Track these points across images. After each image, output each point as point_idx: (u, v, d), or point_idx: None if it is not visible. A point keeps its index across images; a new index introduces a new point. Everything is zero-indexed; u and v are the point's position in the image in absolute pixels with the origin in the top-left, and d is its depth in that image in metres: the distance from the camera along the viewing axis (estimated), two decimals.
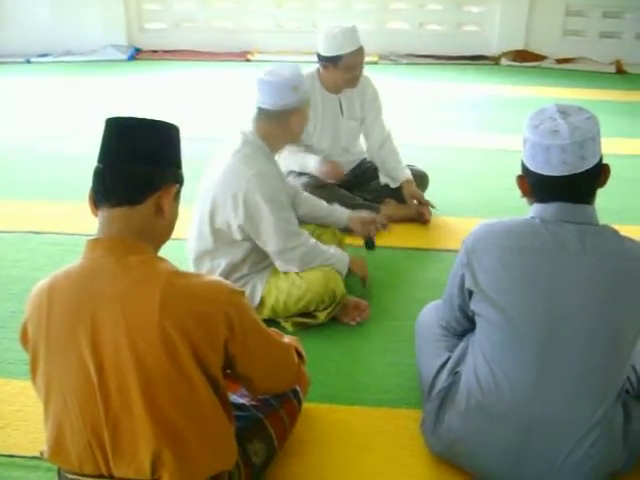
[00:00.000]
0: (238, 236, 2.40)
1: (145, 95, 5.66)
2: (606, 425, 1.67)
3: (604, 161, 1.69)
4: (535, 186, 1.73)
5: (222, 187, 2.37)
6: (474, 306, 1.79)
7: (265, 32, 7.05)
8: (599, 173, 1.69)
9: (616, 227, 1.73)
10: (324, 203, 2.79)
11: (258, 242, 2.42)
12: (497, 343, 1.72)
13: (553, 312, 1.64)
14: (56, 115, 5.20)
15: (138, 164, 1.44)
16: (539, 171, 1.68)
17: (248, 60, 6.82)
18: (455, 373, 1.86)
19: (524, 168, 1.75)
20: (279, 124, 2.41)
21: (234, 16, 7.08)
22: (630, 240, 1.70)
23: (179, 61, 6.77)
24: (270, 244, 2.40)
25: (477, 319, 1.80)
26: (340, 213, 2.79)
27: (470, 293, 1.79)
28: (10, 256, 3.09)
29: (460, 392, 1.80)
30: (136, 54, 6.92)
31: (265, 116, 2.40)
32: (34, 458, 1.93)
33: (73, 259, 1.47)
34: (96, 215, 1.48)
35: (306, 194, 2.77)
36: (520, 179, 1.78)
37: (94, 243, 1.44)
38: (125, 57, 6.80)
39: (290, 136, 2.49)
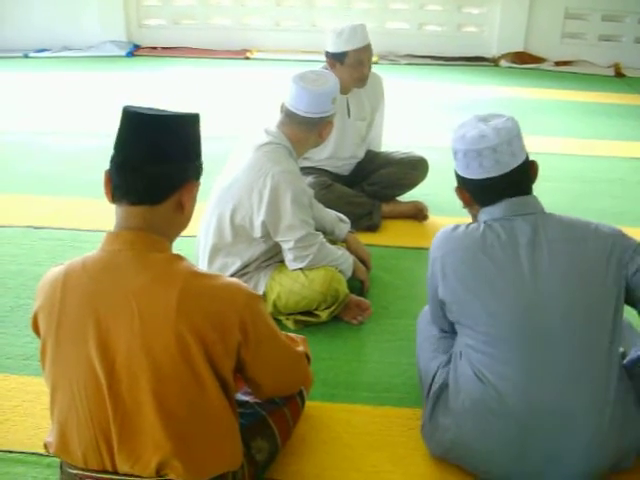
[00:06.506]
0: (258, 233, 2.39)
1: (143, 92, 5.64)
2: (612, 410, 1.65)
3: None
4: (476, 193, 1.80)
5: (246, 182, 2.36)
6: (448, 314, 1.82)
7: (264, 30, 7.05)
8: (529, 169, 1.78)
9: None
10: (330, 215, 2.79)
11: (276, 237, 2.40)
12: (478, 344, 1.72)
13: (523, 304, 1.67)
14: (54, 110, 5.18)
15: (160, 163, 1.40)
16: (476, 177, 1.76)
17: (247, 58, 6.83)
18: (448, 373, 1.86)
19: (460, 179, 1.82)
20: (309, 131, 2.42)
21: (233, 14, 7.07)
22: (576, 221, 1.76)
23: (178, 58, 6.76)
24: (288, 241, 2.38)
25: (455, 325, 1.83)
26: (337, 236, 2.80)
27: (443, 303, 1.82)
28: (9, 251, 3.07)
29: (452, 395, 1.79)
30: (135, 50, 6.92)
31: (295, 120, 2.40)
32: (34, 454, 1.91)
33: (72, 254, 1.45)
34: (111, 202, 1.46)
35: (315, 201, 2.74)
36: (458, 190, 1.86)
37: (114, 236, 1.42)
38: (124, 53, 6.80)
39: (317, 143, 2.51)
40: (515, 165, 1.73)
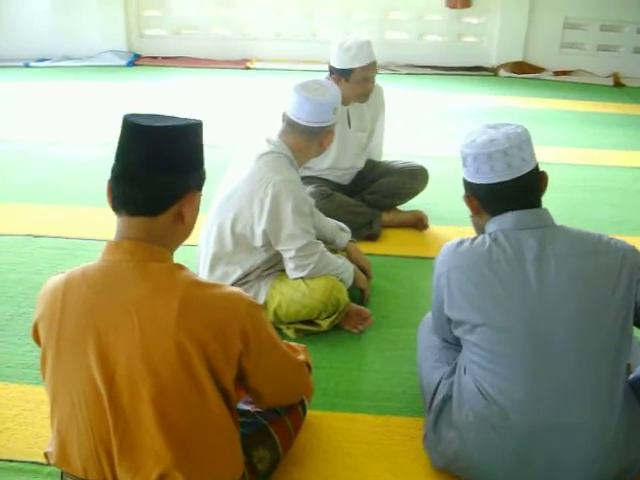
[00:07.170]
0: (259, 242, 2.39)
1: (144, 101, 5.64)
2: (616, 424, 1.64)
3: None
4: (486, 199, 1.78)
5: (247, 191, 2.36)
6: (454, 330, 1.80)
7: (264, 40, 7.06)
8: (540, 178, 1.77)
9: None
10: (331, 224, 2.78)
11: (277, 246, 2.40)
12: (482, 361, 1.71)
13: (527, 316, 1.65)
14: (54, 119, 5.18)
15: (160, 174, 1.38)
16: (486, 181, 1.74)
17: (247, 68, 6.83)
18: (451, 385, 1.85)
19: (469, 186, 1.80)
20: (311, 140, 2.43)
21: (233, 24, 7.08)
22: (587, 234, 1.74)
23: (178, 68, 6.77)
24: (289, 250, 2.38)
25: (461, 339, 1.81)
26: (338, 245, 2.79)
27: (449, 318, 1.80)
28: (8, 259, 3.07)
29: (455, 408, 1.78)
30: (135, 60, 6.91)
31: (297, 129, 2.40)
32: (33, 463, 1.91)
33: (72, 263, 1.45)
34: (113, 211, 1.45)
35: (316, 210, 2.75)
36: (467, 198, 1.83)
37: (115, 246, 1.41)
38: (124, 63, 6.79)
39: (318, 152, 2.52)
40: (526, 170, 1.71)
